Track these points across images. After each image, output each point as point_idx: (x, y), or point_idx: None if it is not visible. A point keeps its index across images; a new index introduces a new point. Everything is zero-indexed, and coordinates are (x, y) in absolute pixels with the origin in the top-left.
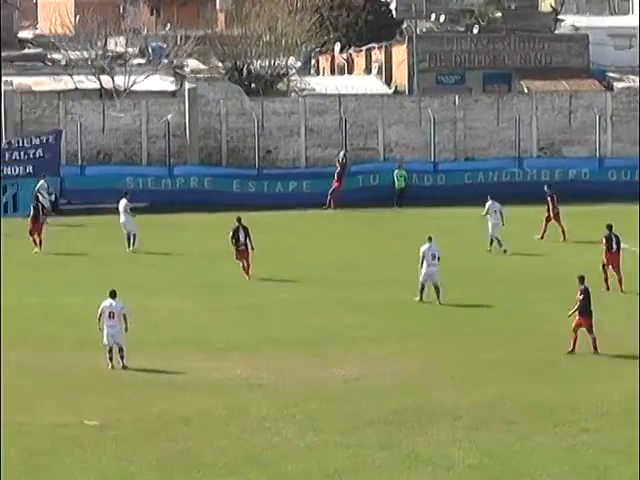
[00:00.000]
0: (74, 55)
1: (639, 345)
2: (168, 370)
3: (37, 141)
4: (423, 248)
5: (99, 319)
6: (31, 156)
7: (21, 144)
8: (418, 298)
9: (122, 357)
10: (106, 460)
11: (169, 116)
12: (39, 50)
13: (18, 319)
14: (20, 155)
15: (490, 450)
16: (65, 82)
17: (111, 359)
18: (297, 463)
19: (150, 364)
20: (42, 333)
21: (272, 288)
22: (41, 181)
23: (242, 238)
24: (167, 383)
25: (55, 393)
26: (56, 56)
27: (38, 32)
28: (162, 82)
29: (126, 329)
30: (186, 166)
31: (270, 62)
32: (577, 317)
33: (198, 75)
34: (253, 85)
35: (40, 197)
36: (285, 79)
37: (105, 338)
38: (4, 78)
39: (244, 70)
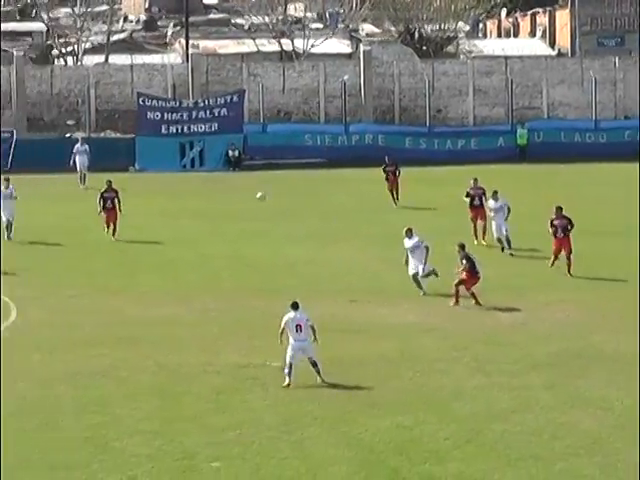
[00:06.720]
0: (256, 20)
1: (639, 342)
2: (345, 316)
3: (222, 101)
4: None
5: (281, 333)
6: (216, 114)
7: (207, 103)
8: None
9: (318, 372)
10: (289, 400)
11: (345, 77)
12: (223, 15)
13: (208, 268)
14: (206, 113)
15: None
16: (247, 45)
17: (290, 375)
18: (465, 403)
19: (328, 310)
20: (229, 281)
21: (440, 240)
22: None
23: None
24: (344, 328)
25: (238, 335)
26: (239, 21)
27: None
28: (339, 45)
29: (315, 340)
30: (361, 124)
31: (440, 26)
32: None
33: (372, 38)
34: (424, 48)
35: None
36: (454, 42)
37: (289, 354)
38: (191, 41)
39: (416, 33)
